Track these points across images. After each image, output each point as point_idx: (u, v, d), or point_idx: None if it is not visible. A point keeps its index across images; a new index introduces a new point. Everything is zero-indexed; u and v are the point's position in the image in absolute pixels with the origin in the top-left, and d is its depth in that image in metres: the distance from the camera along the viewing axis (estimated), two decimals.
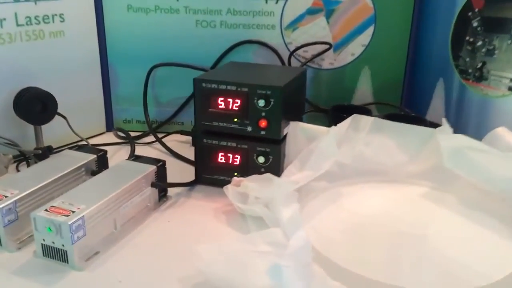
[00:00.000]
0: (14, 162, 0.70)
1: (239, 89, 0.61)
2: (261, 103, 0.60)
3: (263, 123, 0.61)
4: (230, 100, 0.62)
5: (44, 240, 0.50)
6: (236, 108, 0.62)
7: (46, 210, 0.49)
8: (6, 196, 0.52)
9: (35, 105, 0.69)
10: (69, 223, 0.48)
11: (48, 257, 0.50)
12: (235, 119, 0.63)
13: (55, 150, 0.75)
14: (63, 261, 0.49)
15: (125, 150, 0.79)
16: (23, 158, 0.70)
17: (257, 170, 0.63)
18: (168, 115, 0.87)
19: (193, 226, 0.58)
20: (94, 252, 0.51)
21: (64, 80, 0.77)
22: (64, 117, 0.74)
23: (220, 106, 0.63)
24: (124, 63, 0.84)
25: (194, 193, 0.66)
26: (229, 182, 0.64)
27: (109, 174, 0.59)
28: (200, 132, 0.66)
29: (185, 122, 0.87)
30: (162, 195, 0.63)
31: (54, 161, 0.62)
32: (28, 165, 0.70)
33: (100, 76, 0.84)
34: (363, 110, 0.76)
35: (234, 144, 0.64)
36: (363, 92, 0.83)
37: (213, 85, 0.62)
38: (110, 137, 0.84)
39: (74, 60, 0.79)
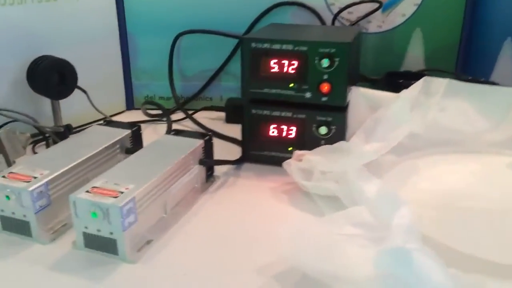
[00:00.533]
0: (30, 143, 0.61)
1: (296, 48, 0.53)
2: (325, 63, 0.52)
3: (325, 88, 0.53)
4: (286, 61, 0.54)
5: (86, 228, 0.41)
6: (293, 71, 0.54)
7: (87, 191, 0.41)
8: (35, 177, 0.43)
9: (53, 76, 0.60)
10: (120, 205, 0.39)
11: (92, 248, 0.41)
12: (291, 84, 0.54)
13: (74, 130, 0.66)
14: (111, 253, 0.41)
15: (152, 128, 0.71)
16: (42, 137, 0.61)
17: (316, 143, 0.55)
18: (195, 90, 0.78)
19: (252, 209, 0.49)
20: (145, 240, 0.43)
21: (79, 52, 0.68)
22: (84, 91, 0.65)
23: (273, 70, 0.55)
24: (145, 32, 0.75)
25: (243, 172, 0.58)
26: (282, 158, 0.56)
27: (151, 151, 0.50)
28: (248, 101, 0.57)
29: (214, 97, 0.79)
30: (209, 175, 0.55)
31: (83, 138, 0.53)
32: (48, 145, 0.61)
33: (118, 48, 0.75)
34: (420, 77, 0.68)
35: (289, 114, 0.56)
36: (414, 58, 0.74)
37: (265, 45, 0.54)
38: (131, 116, 0.75)
39: (89, 29, 0.70)
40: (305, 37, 0.54)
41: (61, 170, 0.45)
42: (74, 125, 0.66)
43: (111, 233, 0.40)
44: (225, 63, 0.76)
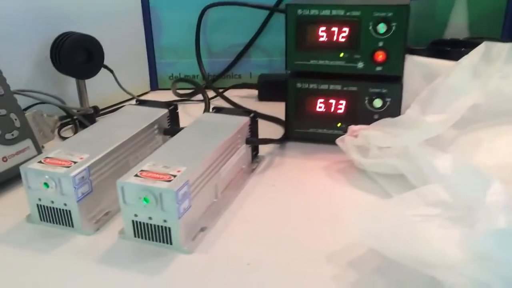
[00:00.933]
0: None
1: (348, 13, 0.48)
2: (381, 28, 0.47)
3: (380, 56, 0.49)
4: (335, 29, 0.49)
5: (136, 215, 0.37)
6: (343, 40, 0.49)
7: (136, 176, 0.37)
8: (75, 162, 0.39)
9: (79, 54, 0.56)
10: (175, 190, 0.35)
11: (142, 237, 0.37)
12: (342, 54, 0.50)
13: (101, 112, 0.62)
14: (164, 242, 0.37)
15: (181, 108, 0.66)
16: (70, 120, 0.57)
17: (369, 118, 0.51)
18: (223, 67, 0.74)
19: (308, 190, 0.45)
20: (199, 228, 0.39)
21: (101, 29, 0.63)
22: (111, 70, 0.61)
23: (321, 39, 0.50)
24: (168, 6, 0.71)
25: (288, 151, 0.54)
26: (329, 136, 0.52)
27: (195, 130, 0.46)
28: (292, 75, 0.53)
29: (243, 75, 0.74)
30: (254, 155, 0.51)
31: (117, 119, 0.48)
32: (76, 130, 0.56)
33: (141, 24, 0.71)
34: (469, 45, 0.63)
35: (338, 87, 0.51)
36: (457, 25, 0.70)
37: (313, 11, 0.49)
38: (157, 98, 0.70)
39: (111, 3, 0.65)
40: (356, 1, 0.50)
41: (102, 154, 0.41)
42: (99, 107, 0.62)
43: (165, 221, 0.36)
44: (255, 37, 0.72)
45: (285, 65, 0.52)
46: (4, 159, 0.45)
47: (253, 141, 0.48)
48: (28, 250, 0.37)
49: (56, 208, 0.39)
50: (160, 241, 0.37)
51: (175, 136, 0.44)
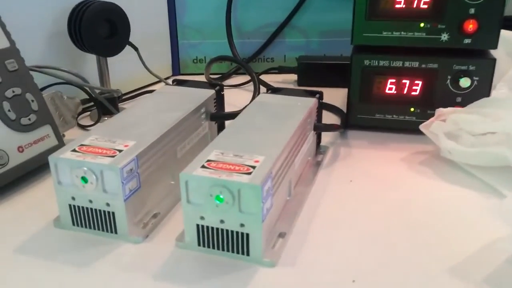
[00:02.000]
0: None
1: None
2: None
3: (470, 26, 0.41)
4: None
5: (203, 218, 0.28)
6: (425, 6, 0.42)
7: (204, 167, 0.28)
8: (119, 151, 0.30)
9: (102, 26, 0.47)
10: (260, 184, 0.27)
11: (209, 246, 0.29)
12: (422, 24, 0.42)
13: (124, 97, 0.53)
14: (238, 252, 0.29)
15: None
16: (93, 104, 0.48)
17: (449, 101, 0.43)
18: (254, 49, 0.65)
19: (394, 186, 0.37)
20: (277, 233, 0.31)
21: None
22: (136, 48, 0.52)
23: (397, 6, 0.42)
24: None
25: (353, 140, 0.46)
26: (400, 122, 0.44)
27: (256, 113, 0.37)
28: (357, 50, 0.45)
29: (276, 58, 0.66)
30: (317, 144, 0.43)
31: (156, 100, 0.40)
32: (99, 115, 0.48)
33: (164, 1, 0.62)
34: None
35: (415, 64, 0.43)
36: None
37: None
38: None
39: None
40: None
41: (151, 141, 0.32)
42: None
43: (242, 225, 0.28)
44: (290, 16, 0.63)
45: (350, 39, 0.44)
46: (20, 149, 0.37)
47: (321, 127, 0.41)
48: (58, 263, 0.29)
49: (96, 210, 0.30)
50: (233, 251, 0.29)
51: (234, 121, 0.36)
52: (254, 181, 0.27)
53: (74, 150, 0.30)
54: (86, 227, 0.31)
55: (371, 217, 0.33)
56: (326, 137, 0.45)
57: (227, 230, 0.28)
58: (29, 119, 0.37)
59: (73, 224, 0.32)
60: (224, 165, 0.28)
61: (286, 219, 0.32)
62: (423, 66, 0.43)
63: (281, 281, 0.27)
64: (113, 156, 0.30)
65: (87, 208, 0.31)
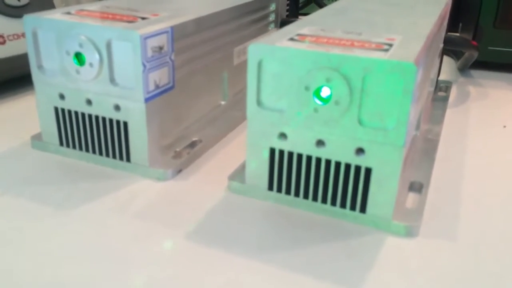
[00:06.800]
0: None
1: None
2: None
3: None
4: None
5: (284, 136, 0.15)
6: None
7: (292, 39, 0.15)
8: (143, 18, 0.18)
9: None
10: (415, 63, 0.13)
11: (288, 193, 0.16)
12: None
13: None
14: (350, 207, 0.15)
15: None
16: None
17: None
18: None
19: None
20: (407, 183, 0.17)
21: None
22: None
23: None
24: None
25: (479, 79, 0.32)
26: None
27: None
28: None
29: None
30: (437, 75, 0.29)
31: None
32: None
33: None
34: None
35: None
36: None
37: None
38: None
39: None
40: None
41: (196, 15, 0.19)
42: None
43: (361, 152, 0.14)
44: None
45: None
46: (1, 39, 0.24)
47: (456, 41, 0.27)
48: (36, 206, 0.16)
49: (96, 117, 0.18)
50: (335, 205, 0.15)
51: (331, 5, 0.22)
52: (405, 57, 0.13)
53: (68, 13, 0.18)
54: (79, 148, 0.19)
55: None
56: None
57: (328, 161, 0.15)
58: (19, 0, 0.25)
59: (60, 143, 0.19)
60: (330, 40, 0.15)
61: (417, 163, 0.19)
62: None
63: (427, 262, 0.14)
64: (132, 22, 0.17)
65: (82, 114, 0.18)
